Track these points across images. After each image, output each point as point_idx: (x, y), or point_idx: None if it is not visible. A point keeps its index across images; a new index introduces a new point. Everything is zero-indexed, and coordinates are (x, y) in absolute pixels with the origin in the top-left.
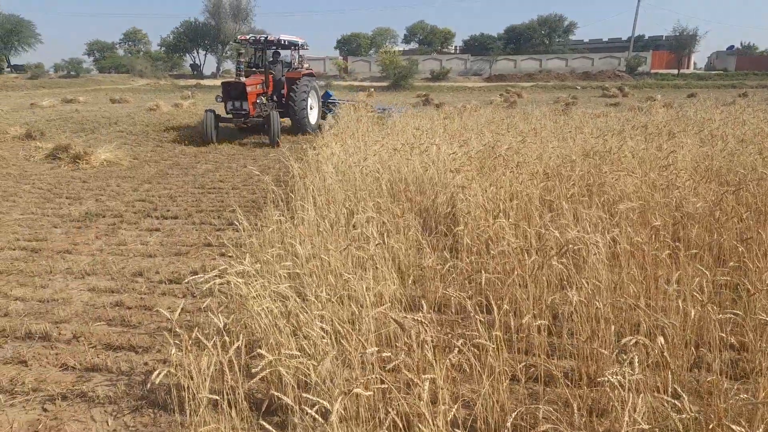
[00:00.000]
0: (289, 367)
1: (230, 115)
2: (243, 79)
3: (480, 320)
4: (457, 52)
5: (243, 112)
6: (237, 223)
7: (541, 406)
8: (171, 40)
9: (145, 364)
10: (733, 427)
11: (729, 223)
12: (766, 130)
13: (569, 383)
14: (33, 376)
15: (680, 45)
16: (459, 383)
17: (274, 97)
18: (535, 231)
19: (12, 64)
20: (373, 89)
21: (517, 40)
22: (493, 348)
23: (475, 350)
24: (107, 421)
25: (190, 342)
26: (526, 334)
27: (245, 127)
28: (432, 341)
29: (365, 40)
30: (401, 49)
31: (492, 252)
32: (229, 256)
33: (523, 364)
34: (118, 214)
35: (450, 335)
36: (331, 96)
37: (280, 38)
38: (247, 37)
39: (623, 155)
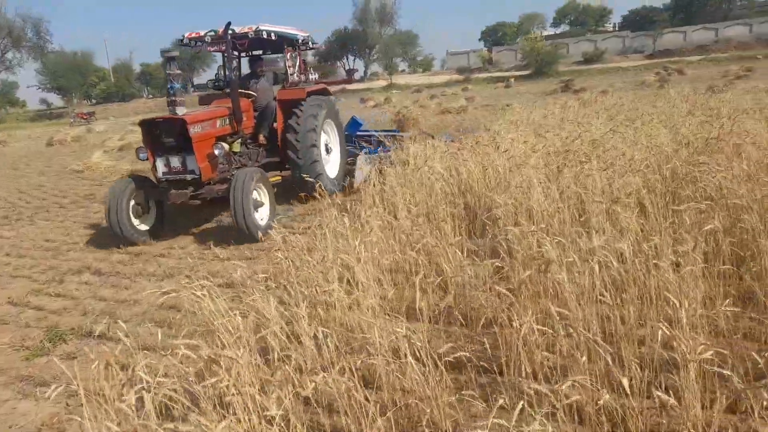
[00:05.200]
0: None
1: (164, 182)
2: (181, 112)
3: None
4: (616, 29)
5: (189, 177)
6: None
7: None
8: (323, 50)
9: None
10: None
11: None
12: None
13: None
14: (73, 372)
15: None
16: None
17: (261, 137)
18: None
19: (195, 84)
20: (513, 78)
21: (687, 9)
22: None
23: None
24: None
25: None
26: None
27: (198, 204)
28: None
29: (511, 29)
30: (551, 33)
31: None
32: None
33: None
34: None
35: None
36: (361, 127)
37: (261, 29)
38: (202, 33)
39: (732, 143)
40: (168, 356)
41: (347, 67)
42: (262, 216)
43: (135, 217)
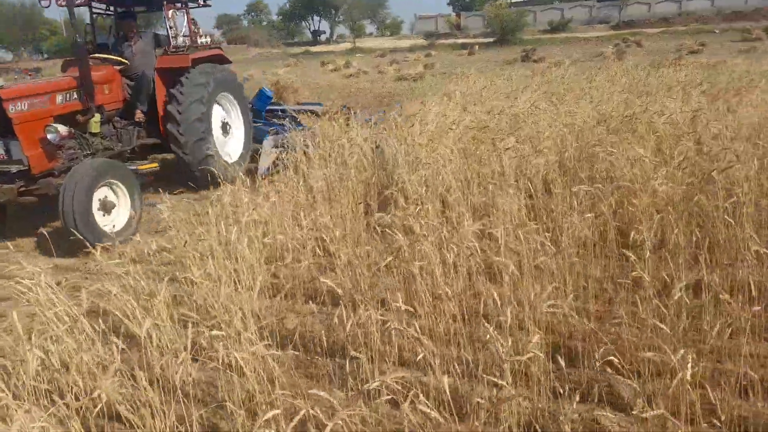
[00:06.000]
0: None
1: None
2: None
3: None
4: None
5: (14, 169)
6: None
7: None
8: (288, 8)
9: None
10: None
11: None
12: None
13: None
14: None
15: None
16: None
17: (138, 114)
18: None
19: None
20: (477, 46)
21: None
22: None
23: None
24: None
25: None
26: None
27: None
28: None
29: None
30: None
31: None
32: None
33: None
34: None
35: None
36: (269, 99)
37: None
38: None
39: (645, 122)
40: None
41: (312, 29)
42: (114, 220)
43: None
